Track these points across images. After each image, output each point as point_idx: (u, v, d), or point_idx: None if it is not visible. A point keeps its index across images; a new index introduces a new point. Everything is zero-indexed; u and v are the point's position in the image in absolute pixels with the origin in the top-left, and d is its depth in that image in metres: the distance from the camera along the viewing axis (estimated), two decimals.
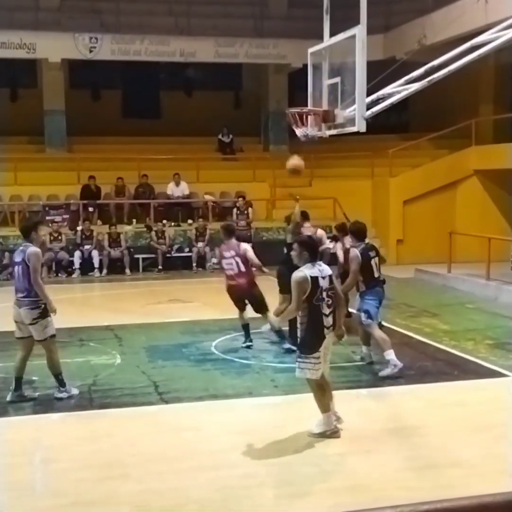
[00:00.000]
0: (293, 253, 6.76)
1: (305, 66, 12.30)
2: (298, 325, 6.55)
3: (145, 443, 6.69)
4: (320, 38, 11.70)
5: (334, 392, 8.22)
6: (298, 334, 6.59)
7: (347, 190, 20.05)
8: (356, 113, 10.27)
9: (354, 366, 9.22)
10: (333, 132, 11.05)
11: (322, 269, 6.57)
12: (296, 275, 6.46)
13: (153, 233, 19.03)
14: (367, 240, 9.27)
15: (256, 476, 5.94)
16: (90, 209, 19.53)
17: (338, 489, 5.66)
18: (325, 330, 6.51)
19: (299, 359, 6.58)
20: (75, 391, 8.06)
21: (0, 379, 8.31)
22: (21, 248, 7.94)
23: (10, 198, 19.70)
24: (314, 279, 6.43)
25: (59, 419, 7.44)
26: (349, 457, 6.28)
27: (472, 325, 11.86)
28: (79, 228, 18.75)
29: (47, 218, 18.90)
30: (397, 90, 10.29)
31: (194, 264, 18.84)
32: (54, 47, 20.32)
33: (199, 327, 11.36)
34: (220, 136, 22.77)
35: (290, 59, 21.30)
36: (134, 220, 19.79)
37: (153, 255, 18.82)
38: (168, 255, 18.86)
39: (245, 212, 19.38)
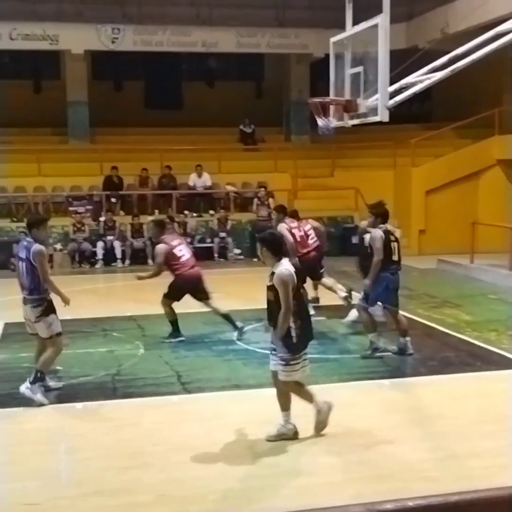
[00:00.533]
0: (258, 251, 6.48)
1: (327, 55, 12.25)
2: (292, 325, 6.20)
3: (168, 432, 6.73)
4: (342, 27, 11.63)
5: (356, 383, 8.26)
6: (292, 334, 6.22)
7: (369, 180, 19.95)
8: (378, 103, 10.21)
9: (376, 356, 9.19)
10: (356, 121, 11.00)
11: (294, 263, 6.46)
12: (283, 273, 6.13)
13: (175, 224, 19.06)
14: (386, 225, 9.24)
15: (278, 466, 5.96)
16: (113, 200, 19.61)
17: (360, 479, 5.66)
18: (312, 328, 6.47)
19: (292, 362, 6.27)
20: (43, 400, 7.51)
21: (25, 369, 8.37)
22: (25, 243, 7.66)
23: (34, 189, 19.81)
24: (296, 275, 6.24)
25: (83, 408, 7.50)
26: (371, 448, 6.27)
27: (494, 316, 11.78)
28: (102, 219, 18.84)
29: (70, 209, 19.05)
30: (420, 79, 10.21)
31: (215, 255, 18.87)
32: (77, 39, 20.38)
33: (221, 318, 11.35)
34: (241, 127, 22.75)
35: (312, 49, 21.20)
36: (157, 211, 19.83)
37: None
38: (190, 245, 18.87)
39: (266, 202, 19.35)
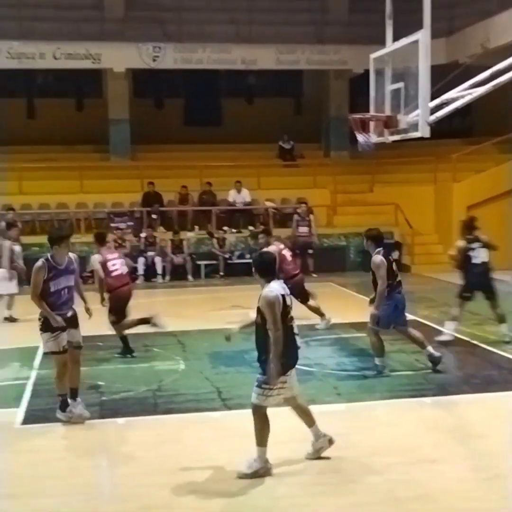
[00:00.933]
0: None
1: (366, 71, 12.26)
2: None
3: (209, 448, 6.74)
4: (381, 43, 11.64)
5: (397, 400, 8.17)
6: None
7: (409, 196, 19.85)
8: (419, 118, 10.19)
9: (418, 374, 9.11)
10: (396, 137, 10.99)
11: (285, 287, 6.19)
12: (267, 295, 5.96)
13: (214, 239, 19.17)
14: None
15: (319, 484, 5.92)
16: (154, 216, 19.78)
17: (403, 499, 5.60)
18: (298, 351, 6.20)
19: (267, 386, 6.07)
20: (83, 413, 7.51)
21: None
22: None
23: (76, 206, 20.08)
24: (283, 298, 6.04)
25: (125, 424, 7.54)
26: (413, 467, 6.20)
27: None
28: (142, 235, 19.01)
29: (112, 225, 19.25)
30: (461, 95, 10.17)
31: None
32: (119, 57, 20.69)
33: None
34: (280, 143, 22.81)
35: (351, 65, 21.21)
36: (196, 227, 19.96)
37: (215, 262, 18.96)
38: (229, 261, 18.97)
39: (307, 218, 19.31)
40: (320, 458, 6.33)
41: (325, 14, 22.50)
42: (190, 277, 18.51)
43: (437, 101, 10.32)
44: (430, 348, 9.21)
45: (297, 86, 25.40)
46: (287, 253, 11.70)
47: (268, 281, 6.09)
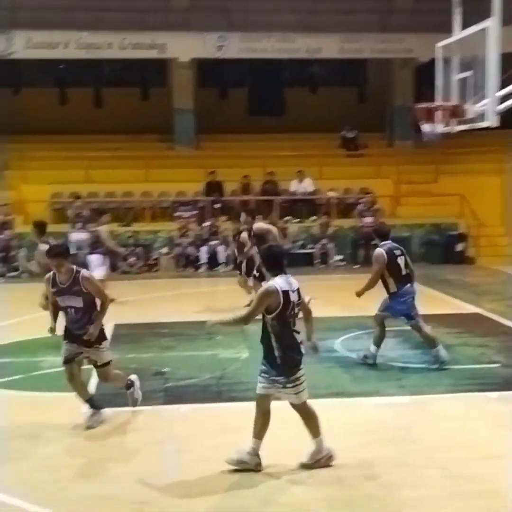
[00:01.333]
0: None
1: (432, 60, 12.06)
2: (274, 345, 5.94)
3: (271, 437, 6.74)
4: (447, 31, 11.42)
5: (462, 394, 8.04)
6: (276, 354, 5.96)
7: (475, 187, 19.50)
8: (487, 108, 9.99)
9: (483, 368, 8.97)
10: (463, 127, 10.80)
11: (291, 282, 5.98)
12: (265, 287, 5.88)
13: (277, 229, 19.13)
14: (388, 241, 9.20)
15: (381, 477, 5.89)
16: (216, 205, 19.88)
17: (467, 493, 5.54)
18: (301, 347, 6.05)
19: (273, 377, 6.01)
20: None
21: (133, 370, 8.57)
22: None
23: (141, 195, 20.33)
24: (286, 294, 5.86)
25: (189, 410, 7.64)
26: (477, 462, 6.12)
27: None
28: (206, 224, 19.13)
29: (176, 214, 19.43)
30: None
31: (316, 261, 18.84)
32: (184, 47, 20.77)
33: (322, 324, 11.20)
34: (344, 132, 22.63)
35: (417, 53, 20.85)
36: (259, 217, 19.94)
37: None
38: (290, 251, 18.93)
39: (371, 209, 19.14)
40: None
41: (389, 2, 22.15)
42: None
43: (506, 90, 10.09)
44: (440, 349, 8.98)
45: (361, 75, 25.14)
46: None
47: (274, 275, 5.93)
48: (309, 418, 6.15)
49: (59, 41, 20.29)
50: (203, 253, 18.53)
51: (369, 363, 9.04)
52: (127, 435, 6.98)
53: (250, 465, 5.97)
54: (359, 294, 9.18)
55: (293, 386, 6.00)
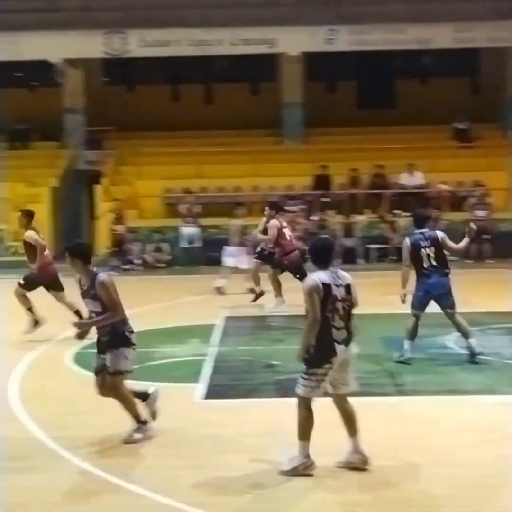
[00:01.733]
0: None
1: None
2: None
3: (381, 433, 6.73)
4: None
5: None
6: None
7: None
8: None
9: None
10: None
11: (338, 276, 5.87)
12: (306, 282, 5.82)
13: (386, 223, 18.98)
14: (425, 230, 9.12)
15: (499, 476, 5.77)
16: (325, 199, 19.86)
17: None
18: (336, 345, 5.87)
19: (307, 375, 5.89)
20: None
21: (245, 362, 8.72)
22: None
23: (251, 189, 20.55)
24: (329, 288, 5.76)
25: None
26: None
27: None
28: (314, 218, 19.15)
29: (284, 208, 19.47)
30: None
31: None
32: (294, 41, 20.86)
33: (435, 320, 11.09)
34: (456, 124, 22.12)
35: None
36: (368, 210, 19.84)
37: (386, 246, 18.77)
38: (399, 245, 18.70)
39: (484, 202, 18.66)
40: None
41: None
42: (360, 260, 18.46)
43: None
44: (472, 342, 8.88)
45: (474, 64, 24.49)
46: (287, 231, 12.22)
47: (320, 269, 5.85)
48: (305, 417, 5.97)
49: (171, 39, 20.79)
50: None
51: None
52: (240, 426, 7.08)
53: (301, 470, 5.80)
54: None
55: (306, 379, 5.89)
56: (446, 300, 9.03)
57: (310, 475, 5.76)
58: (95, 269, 6.77)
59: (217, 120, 22.24)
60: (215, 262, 17.22)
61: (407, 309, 10.76)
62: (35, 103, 22.67)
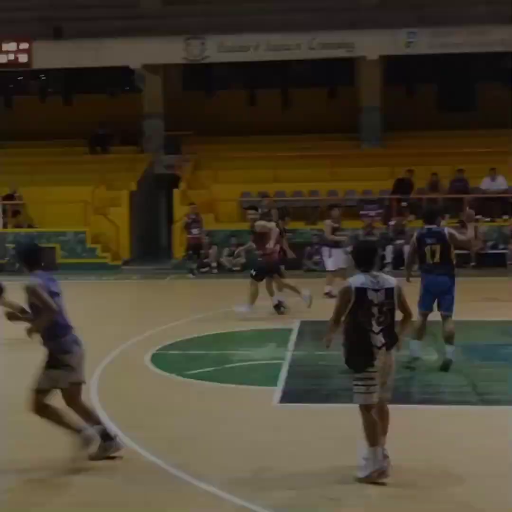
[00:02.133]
0: None
1: None
2: (342, 342, 5.83)
3: (463, 444, 6.55)
4: None
5: None
6: (343, 350, 5.85)
7: None
8: None
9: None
10: None
11: (378, 281, 5.72)
12: (343, 284, 5.85)
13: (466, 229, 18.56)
14: (433, 226, 8.87)
15: None
16: (403, 204, 19.59)
17: None
18: (375, 350, 5.69)
19: (355, 382, 5.75)
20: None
21: (321, 367, 8.61)
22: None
23: (327, 193, 20.44)
24: (361, 291, 5.65)
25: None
26: None
27: None
28: (391, 222, 18.91)
29: (361, 212, 19.34)
30: None
31: (509, 262, 18.06)
32: (372, 45, 20.66)
33: None
34: None
35: None
36: (447, 215, 19.43)
37: (466, 251, 18.33)
38: (481, 251, 18.28)
39: None
40: None
41: None
42: None
43: None
44: (449, 348, 8.77)
45: None
46: (274, 233, 12.22)
47: (362, 272, 5.78)
48: (368, 424, 5.83)
49: (249, 44, 20.88)
50: (389, 253, 18.31)
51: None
52: (319, 430, 6.98)
53: (374, 477, 5.67)
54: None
55: (356, 385, 5.77)
56: (444, 300, 8.92)
57: (384, 484, 5.63)
58: (35, 274, 6.16)
59: (294, 125, 22.25)
60: (291, 266, 17.21)
61: (491, 317, 10.54)
62: (115, 108, 23.13)
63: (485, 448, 6.39)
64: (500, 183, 19.62)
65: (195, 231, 18.70)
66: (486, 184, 19.74)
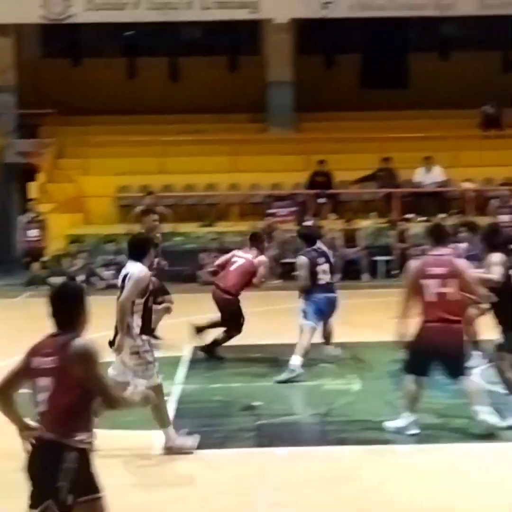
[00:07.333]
0: None
1: None
2: None
3: (392, 489, 6.64)
4: None
5: None
6: None
7: None
8: None
9: None
10: None
11: None
12: None
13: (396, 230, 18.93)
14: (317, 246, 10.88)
15: None
16: (321, 200, 19.81)
17: None
18: None
19: None
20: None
21: (218, 403, 8.58)
22: None
23: (228, 188, 20.46)
24: None
25: (287, 455, 7.57)
26: None
27: None
28: (307, 223, 19.06)
29: (270, 211, 19.42)
30: None
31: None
32: (281, 5, 20.81)
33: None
34: (485, 108, 22.19)
35: None
36: (374, 214, 19.81)
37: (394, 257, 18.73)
38: (413, 255, 18.64)
39: (509, 204, 18.67)
40: None
41: None
42: (365, 275, 18.38)
43: None
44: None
45: (505, 36, 24.61)
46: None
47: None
48: None
49: (126, 1, 20.70)
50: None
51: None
52: (212, 484, 6.91)
53: None
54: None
55: None
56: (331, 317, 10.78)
57: None
58: None
59: (185, 102, 22.19)
60: (183, 278, 17.11)
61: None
62: None
63: (418, 496, 6.45)
64: (437, 175, 20.10)
65: (32, 233, 18.45)
66: (420, 176, 20.19)
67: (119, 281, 7.65)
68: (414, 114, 21.96)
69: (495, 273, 8.08)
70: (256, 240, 11.56)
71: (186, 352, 11.42)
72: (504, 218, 18.42)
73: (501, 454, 7.49)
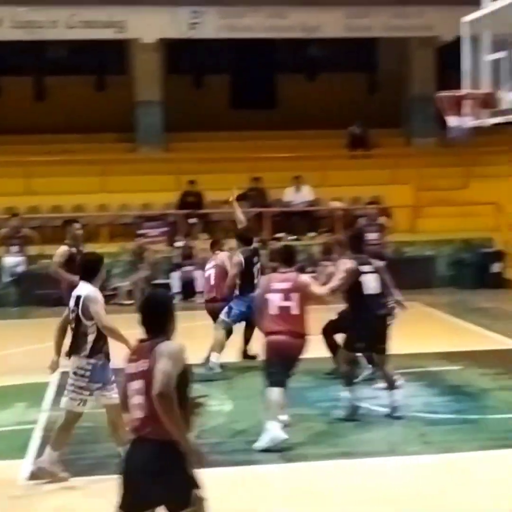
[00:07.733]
0: None
1: (458, 39, 12.17)
2: None
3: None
4: (475, 4, 11.56)
5: (503, 451, 8.04)
6: None
7: None
8: None
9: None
10: (498, 120, 10.89)
11: None
12: None
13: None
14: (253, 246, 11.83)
15: None
16: (192, 221, 19.87)
17: None
18: None
19: None
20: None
21: (86, 430, 8.45)
22: None
23: (96, 209, 20.30)
24: None
25: None
26: None
27: None
28: (178, 244, 19.10)
29: (140, 232, 19.35)
30: None
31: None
32: (148, 25, 20.86)
33: (327, 367, 11.27)
34: (351, 128, 22.72)
35: (438, 31, 21.07)
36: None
37: None
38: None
39: (376, 222, 19.16)
40: None
41: None
42: None
43: None
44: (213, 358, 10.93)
45: (371, 58, 25.34)
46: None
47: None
48: None
49: None
50: (175, 280, 18.45)
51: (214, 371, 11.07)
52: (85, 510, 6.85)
53: None
54: None
55: None
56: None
57: None
58: None
59: (52, 122, 21.97)
60: (53, 302, 16.82)
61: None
62: None
63: None
64: (306, 194, 20.46)
65: None
66: (289, 195, 20.52)
67: (71, 303, 7.56)
68: (283, 134, 22.33)
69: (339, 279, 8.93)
70: (215, 246, 12.79)
71: (53, 378, 11.24)
72: (371, 236, 18.85)
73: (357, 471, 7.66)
